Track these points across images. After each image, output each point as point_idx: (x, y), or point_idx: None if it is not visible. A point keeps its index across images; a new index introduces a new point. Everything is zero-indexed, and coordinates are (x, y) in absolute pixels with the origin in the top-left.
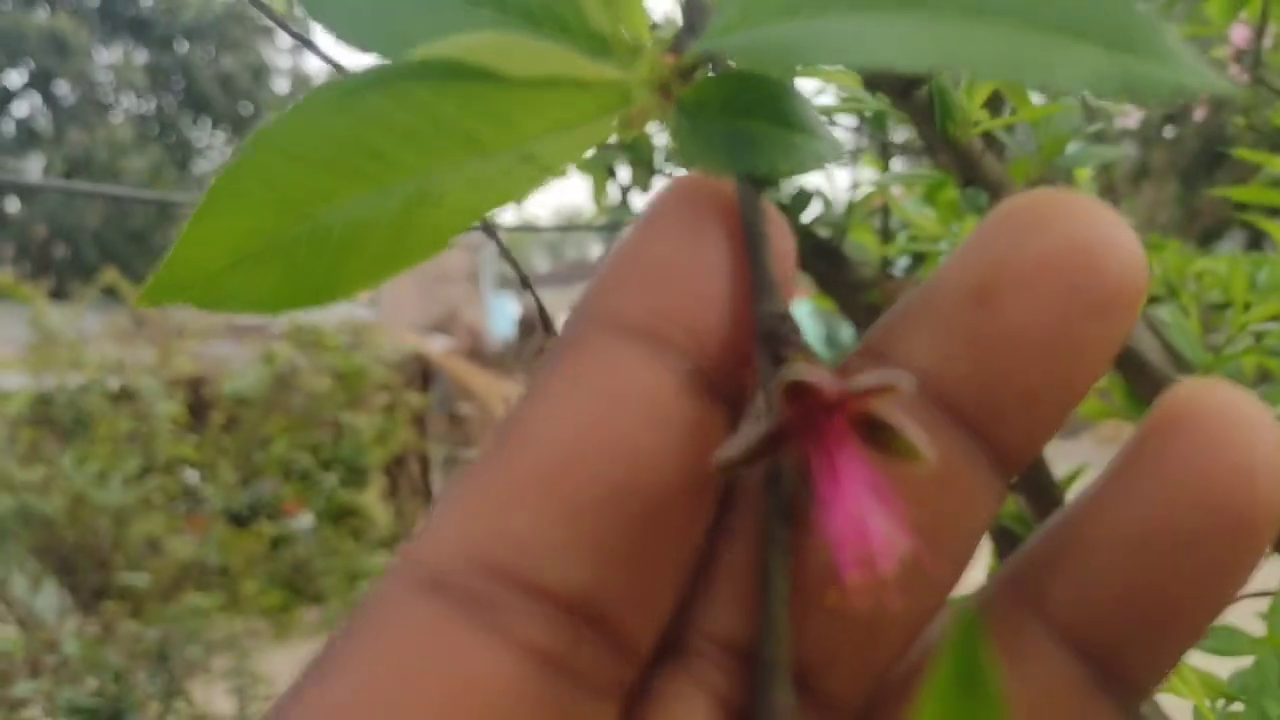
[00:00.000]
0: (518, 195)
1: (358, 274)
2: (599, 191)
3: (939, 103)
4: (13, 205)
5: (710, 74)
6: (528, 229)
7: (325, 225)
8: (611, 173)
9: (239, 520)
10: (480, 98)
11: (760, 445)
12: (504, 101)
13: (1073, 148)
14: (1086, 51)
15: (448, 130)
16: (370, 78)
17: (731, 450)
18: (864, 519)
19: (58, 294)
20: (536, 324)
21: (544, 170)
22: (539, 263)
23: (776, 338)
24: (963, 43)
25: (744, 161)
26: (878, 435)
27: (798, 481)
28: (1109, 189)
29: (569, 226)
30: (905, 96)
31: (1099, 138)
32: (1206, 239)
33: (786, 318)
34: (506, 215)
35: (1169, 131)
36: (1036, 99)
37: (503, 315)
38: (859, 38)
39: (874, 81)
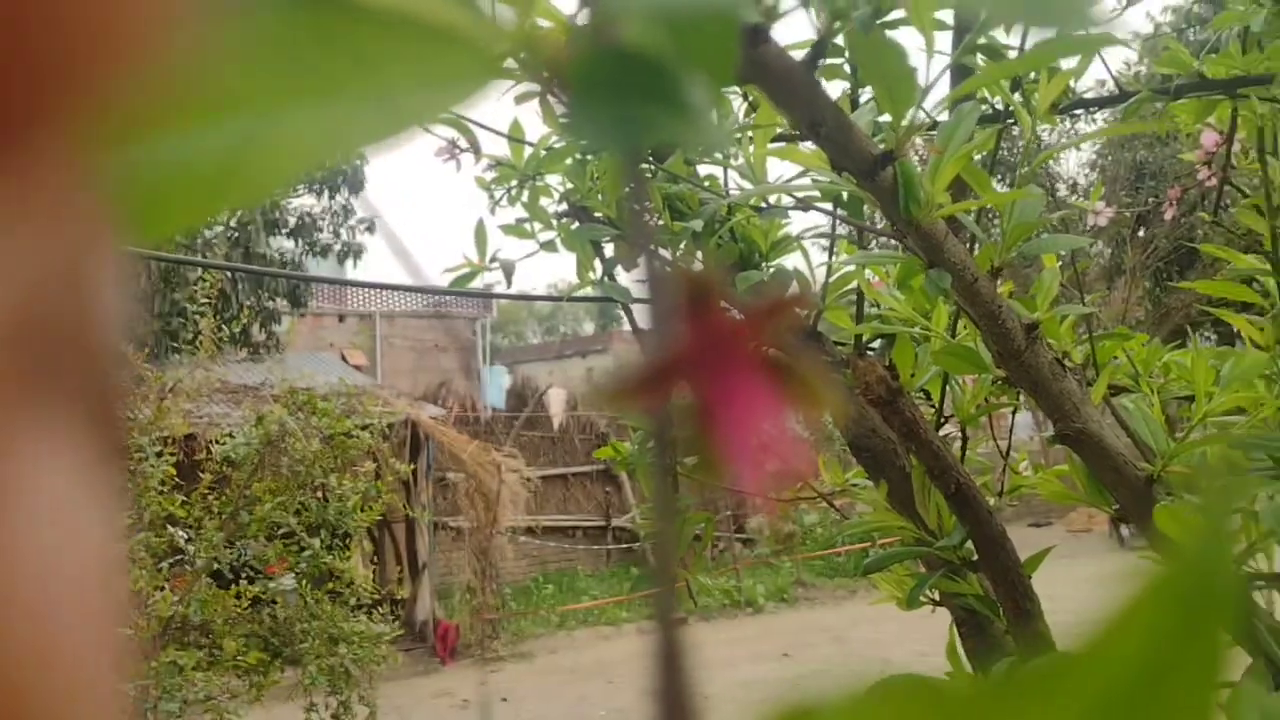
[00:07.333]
0: (365, 143)
1: (170, 214)
2: (584, 267)
3: (903, 184)
4: None
5: (597, 48)
6: (521, 297)
7: (143, 158)
8: (598, 248)
9: (222, 579)
10: (341, 35)
11: (656, 372)
12: (367, 42)
13: (1038, 235)
14: None
15: (300, 64)
16: None
17: (620, 378)
18: (759, 437)
19: None
20: (526, 395)
21: (400, 121)
22: (531, 335)
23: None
24: None
25: (631, 140)
26: (780, 376)
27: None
28: (1080, 284)
29: (562, 297)
30: (870, 177)
31: (1065, 228)
32: (1176, 337)
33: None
34: (501, 286)
35: (1141, 231)
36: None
37: (495, 385)
38: None
39: (840, 162)
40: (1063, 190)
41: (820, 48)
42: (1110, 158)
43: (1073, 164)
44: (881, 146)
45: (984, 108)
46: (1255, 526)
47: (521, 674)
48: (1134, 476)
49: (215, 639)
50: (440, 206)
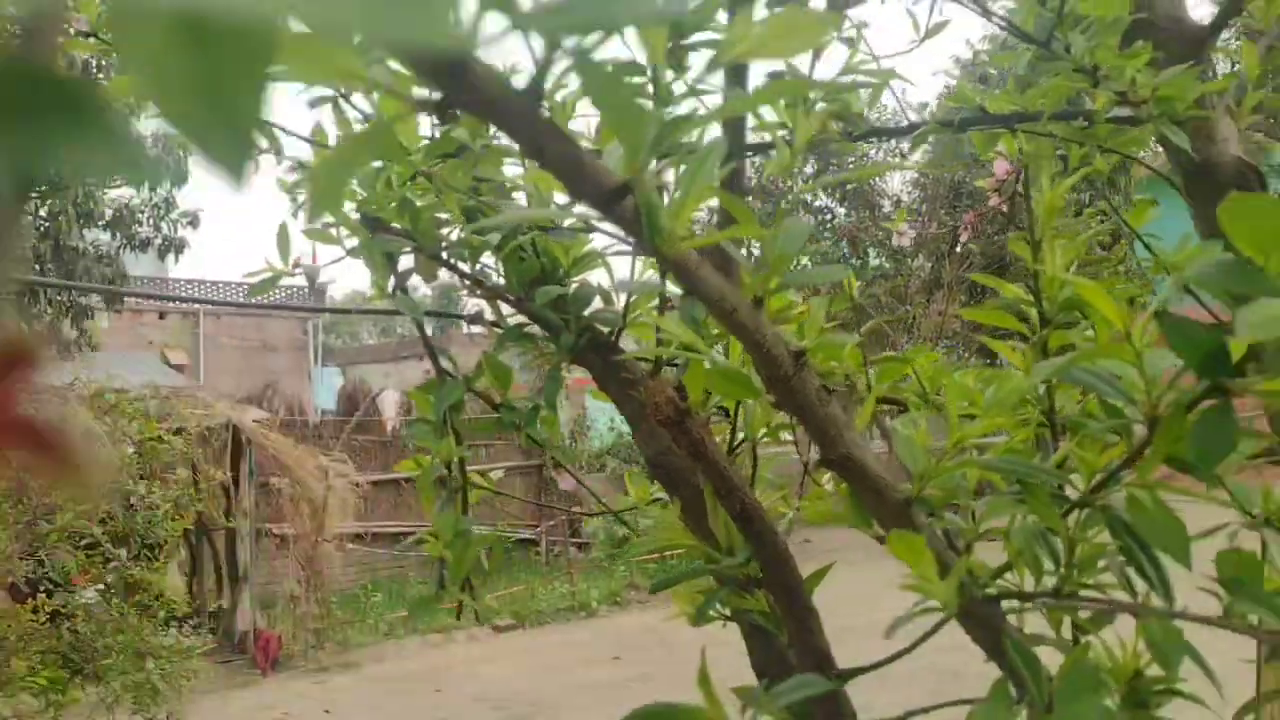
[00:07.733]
0: None
1: None
2: (379, 279)
3: (645, 216)
4: None
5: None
6: (312, 309)
7: None
8: (392, 259)
9: (18, 593)
10: None
11: None
12: None
13: (802, 265)
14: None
15: None
16: None
17: None
18: None
19: None
20: (359, 397)
21: None
22: (366, 336)
23: None
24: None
25: (20, 167)
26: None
27: None
28: (902, 298)
29: (351, 310)
30: (608, 208)
31: (888, 241)
32: (990, 349)
33: None
34: (334, 288)
35: (958, 247)
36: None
37: (326, 387)
38: None
39: (575, 192)
40: (887, 206)
41: (541, 77)
42: (931, 176)
43: (897, 182)
44: (623, 177)
45: (781, 134)
46: (1009, 545)
47: (347, 684)
48: (894, 499)
49: (6, 657)
50: (258, 206)
